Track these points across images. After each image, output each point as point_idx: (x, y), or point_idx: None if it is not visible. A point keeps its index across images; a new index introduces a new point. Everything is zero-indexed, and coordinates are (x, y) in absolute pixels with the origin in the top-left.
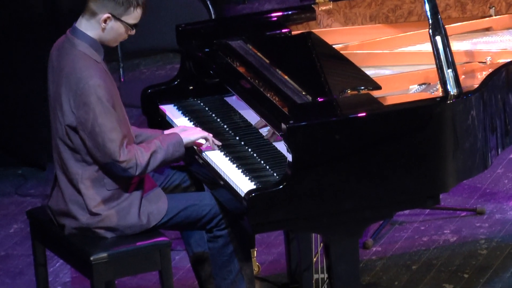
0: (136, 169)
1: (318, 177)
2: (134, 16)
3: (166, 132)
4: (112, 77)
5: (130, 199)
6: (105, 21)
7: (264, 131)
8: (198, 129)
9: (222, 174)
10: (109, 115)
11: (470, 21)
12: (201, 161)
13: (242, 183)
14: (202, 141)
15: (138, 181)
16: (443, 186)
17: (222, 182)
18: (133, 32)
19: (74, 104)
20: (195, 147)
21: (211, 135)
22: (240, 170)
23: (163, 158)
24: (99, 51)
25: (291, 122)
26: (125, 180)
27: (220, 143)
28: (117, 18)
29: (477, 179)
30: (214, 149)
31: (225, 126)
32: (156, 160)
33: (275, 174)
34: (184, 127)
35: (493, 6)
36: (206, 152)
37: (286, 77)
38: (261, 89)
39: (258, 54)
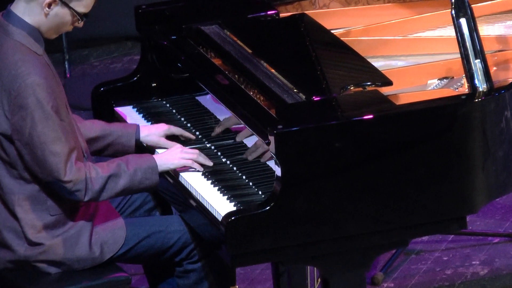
0: (86, 193)
1: (314, 195)
2: (85, 3)
3: (143, 133)
4: (56, 72)
5: (79, 225)
6: (49, 5)
7: (247, 139)
8: (180, 149)
9: (194, 193)
10: (51, 122)
11: None
12: (167, 177)
13: (219, 204)
14: (188, 163)
15: (89, 203)
16: (471, 206)
17: (194, 203)
18: (80, 24)
19: (8, 107)
20: None
21: (197, 154)
22: (217, 187)
23: (126, 185)
24: (40, 41)
25: (280, 127)
26: (73, 204)
27: (211, 163)
28: (64, 3)
29: None
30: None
31: (197, 133)
32: (116, 186)
33: (260, 193)
34: (162, 135)
35: None
36: None
37: (273, 70)
38: (242, 86)
39: (238, 42)
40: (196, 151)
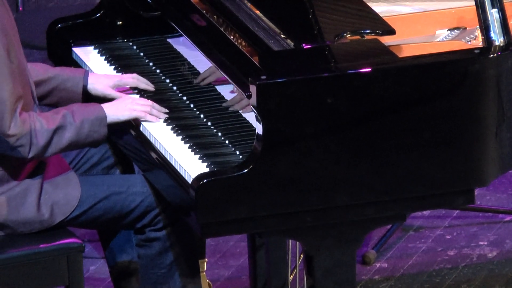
0: (30, 149)
1: (300, 158)
2: None
3: (90, 81)
4: (7, 4)
5: (26, 183)
6: None
7: (225, 90)
8: (131, 100)
9: (161, 150)
10: (0, 63)
11: None
12: (130, 129)
13: (190, 164)
14: (141, 115)
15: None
16: (480, 177)
17: (160, 162)
18: None
19: None
20: None
21: (150, 106)
22: (188, 145)
23: (73, 139)
24: None
25: (263, 77)
26: (18, 159)
27: (166, 111)
28: None
29: None
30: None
31: (167, 81)
32: (61, 140)
33: (237, 153)
34: (116, 80)
35: None
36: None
37: (257, 12)
38: (221, 29)
39: None
40: (150, 102)
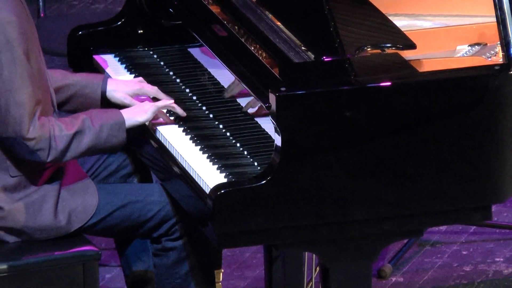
0: (49, 153)
1: (318, 171)
2: None
3: (110, 87)
4: (29, 10)
5: (44, 189)
6: None
7: (243, 100)
8: (149, 103)
9: (179, 159)
10: (20, 67)
11: None
12: (150, 139)
13: (208, 174)
14: (155, 108)
15: (57, 164)
16: (498, 194)
17: (178, 171)
18: None
19: None
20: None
21: (172, 102)
22: (206, 155)
23: (91, 143)
24: None
25: (283, 89)
26: (37, 164)
27: (184, 114)
28: None
29: None
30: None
31: (187, 90)
32: (80, 145)
33: (256, 164)
34: (135, 87)
35: None
36: (158, 127)
37: (279, 23)
38: (242, 39)
39: None
40: (171, 101)
